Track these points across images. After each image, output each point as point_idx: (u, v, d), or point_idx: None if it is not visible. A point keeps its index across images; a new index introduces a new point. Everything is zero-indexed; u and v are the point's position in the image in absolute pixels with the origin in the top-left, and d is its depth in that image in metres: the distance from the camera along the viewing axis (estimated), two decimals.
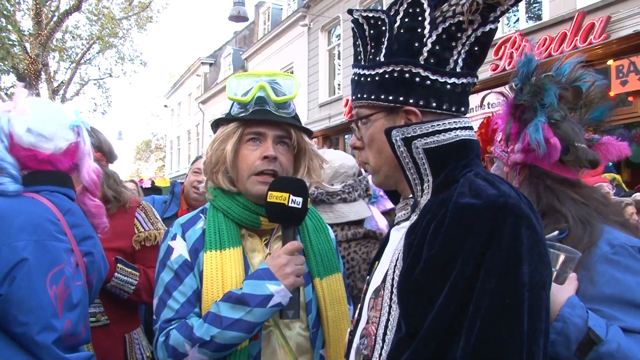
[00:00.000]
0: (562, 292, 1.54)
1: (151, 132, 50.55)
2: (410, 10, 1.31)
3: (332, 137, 19.03)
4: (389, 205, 4.02)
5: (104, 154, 2.90)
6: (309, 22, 20.58)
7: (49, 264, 1.72)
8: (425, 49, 1.29)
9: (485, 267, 1.08)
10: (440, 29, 1.28)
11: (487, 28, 1.29)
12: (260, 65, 24.85)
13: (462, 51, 1.30)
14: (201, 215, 1.92)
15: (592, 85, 1.94)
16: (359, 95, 1.39)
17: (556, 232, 1.67)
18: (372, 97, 1.35)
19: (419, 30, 1.29)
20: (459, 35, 1.29)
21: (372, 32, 1.38)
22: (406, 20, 1.31)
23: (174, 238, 1.85)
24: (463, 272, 1.09)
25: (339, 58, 19.34)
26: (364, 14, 1.39)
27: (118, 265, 2.68)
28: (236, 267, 1.78)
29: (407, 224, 1.35)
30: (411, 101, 1.30)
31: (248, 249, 1.88)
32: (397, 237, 1.39)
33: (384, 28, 1.35)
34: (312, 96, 20.32)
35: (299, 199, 1.74)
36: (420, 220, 1.24)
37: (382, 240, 1.56)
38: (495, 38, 9.90)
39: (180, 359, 1.67)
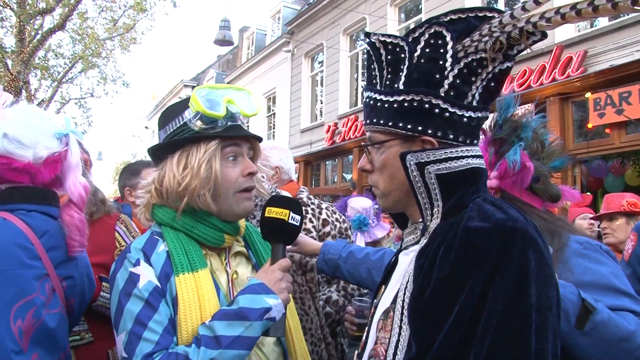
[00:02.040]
0: None
1: (131, 153, 50.11)
2: (432, 42, 1.34)
3: (313, 162, 19.07)
4: (380, 234, 4.06)
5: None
6: (293, 48, 20.76)
7: (13, 297, 1.59)
8: (447, 82, 1.33)
9: (493, 288, 1.12)
10: (462, 64, 1.33)
11: (505, 66, 1.34)
12: None
13: (480, 86, 1.35)
14: (157, 238, 1.78)
15: (552, 142, 2.24)
16: (374, 120, 1.41)
17: None
18: (390, 123, 1.38)
19: (441, 62, 1.33)
20: (479, 71, 1.33)
21: (389, 57, 1.41)
22: (427, 50, 1.34)
23: (136, 264, 1.68)
24: (472, 294, 1.13)
25: (321, 85, 19.49)
26: (382, 39, 1.42)
27: (103, 284, 2.65)
28: (210, 289, 1.70)
29: (416, 247, 1.38)
30: (429, 132, 1.34)
31: (213, 268, 1.80)
32: (406, 261, 1.42)
33: (402, 55, 1.38)
34: (294, 122, 20.39)
35: (298, 217, 1.79)
36: (430, 243, 1.29)
37: (389, 265, 1.59)
38: None
39: None
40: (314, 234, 2.93)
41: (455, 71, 1.32)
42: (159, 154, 1.84)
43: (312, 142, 18.93)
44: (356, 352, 1.56)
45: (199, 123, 1.73)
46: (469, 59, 1.32)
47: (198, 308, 1.65)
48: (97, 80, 22.67)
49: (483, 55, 1.31)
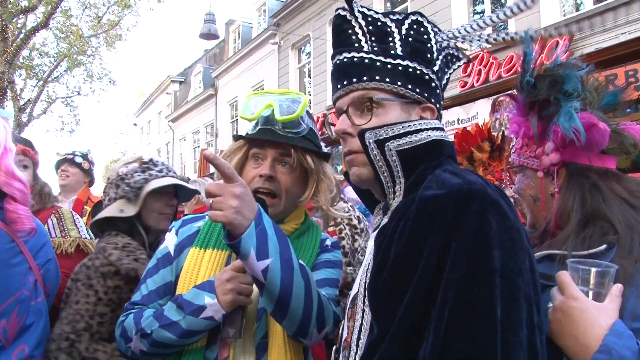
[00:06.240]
0: (604, 315, 1.25)
1: (120, 150, 49.90)
2: (415, 26, 1.40)
3: None
4: None
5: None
6: (279, 40, 20.66)
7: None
8: (438, 62, 1.40)
9: (451, 256, 1.04)
10: (442, 54, 1.44)
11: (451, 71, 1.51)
12: (230, 83, 24.80)
13: (445, 78, 1.48)
14: (206, 216, 1.88)
15: (586, 72, 1.70)
16: (377, 78, 1.33)
17: (603, 247, 1.41)
18: (399, 83, 1.33)
19: (428, 45, 1.39)
20: (450, 65, 1.49)
21: (370, 27, 1.37)
22: (412, 32, 1.39)
23: (170, 230, 1.91)
24: (429, 264, 1.06)
25: (309, 76, 19.42)
26: (361, 10, 1.39)
27: None
28: (212, 269, 1.75)
29: None
30: (432, 100, 1.38)
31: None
32: (371, 245, 1.36)
33: (388, 29, 1.38)
34: None
35: None
36: (390, 221, 1.24)
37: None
38: None
39: (127, 342, 1.72)
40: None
41: (441, 57, 1.42)
42: None
43: None
44: (334, 347, 1.49)
45: (250, 124, 1.88)
46: (448, 51, 1.45)
47: (193, 282, 1.73)
48: (83, 79, 22.64)
49: (455, 53, 1.48)
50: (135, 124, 43.39)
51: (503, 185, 3.12)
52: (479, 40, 1.47)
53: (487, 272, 1.03)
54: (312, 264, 1.89)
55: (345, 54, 1.37)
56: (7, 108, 17.86)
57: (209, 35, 19.49)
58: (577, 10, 10.60)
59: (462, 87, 11.92)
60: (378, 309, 1.17)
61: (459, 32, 1.44)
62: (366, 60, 1.34)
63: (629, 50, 8.81)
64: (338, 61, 1.39)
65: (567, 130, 1.52)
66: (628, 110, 8.93)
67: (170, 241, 1.87)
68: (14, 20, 17.42)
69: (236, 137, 1.91)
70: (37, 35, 18.20)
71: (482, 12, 12.75)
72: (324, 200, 1.89)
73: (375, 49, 1.35)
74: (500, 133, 3.26)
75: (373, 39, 1.37)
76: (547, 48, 10.16)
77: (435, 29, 1.42)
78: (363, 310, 1.25)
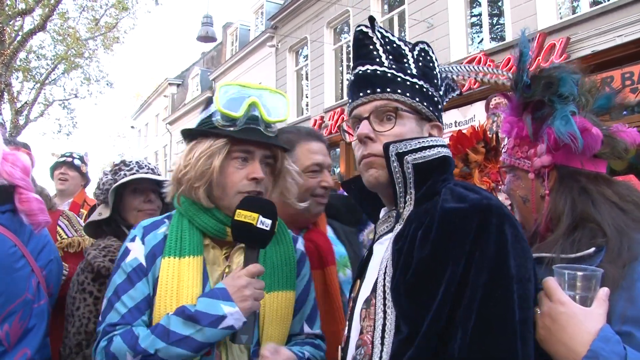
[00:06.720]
0: (592, 320, 1.25)
1: (118, 153, 49.85)
2: (423, 54, 1.53)
3: None
4: None
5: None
6: (277, 42, 20.68)
7: (2, 305, 1.59)
8: (442, 89, 1.57)
9: (475, 264, 1.18)
10: (444, 84, 1.60)
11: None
12: None
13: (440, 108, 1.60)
14: (165, 220, 1.85)
15: (581, 76, 1.71)
16: (399, 91, 1.45)
17: (592, 250, 1.42)
18: (417, 99, 1.47)
19: (434, 72, 1.54)
20: (447, 94, 1.65)
21: (388, 47, 1.50)
22: (420, 58, 1.53)
23: (132, 240, 1.78)
24: (455, 271, 1.19)
25: (306, 79, 19.45)
26: (380, 30, 1.52)
27: None
28: (194, 277, 1.70)
29: (390, 235, 1.43)
30: (440, 120, 1.53)
31: (209, 260, 1.79)
32: (381, 250, 1.46)
33: (403, 52, 1.51)
34: None
35: (269, 222, 1.68)
36: (405, 229, 1.36)
37: (362, 258, 1.63)
38: (460, 58, 10.11)
39: None
40: None
41: (443, 85, 1.58)
42: (187, 138, 1.88)
43: None
44: (339, 347, 1.56)
45: (219, 119, 1.75)
46: (447, 81, 1.59)
47: (175, 293, 1.67)
48: (80, 81, 22.53)
49: (451, 84, 1.63)
50: (132, 127, 43.36)
51: (499, 187, 3.15)
52: (468, 75, 1.64)
53: (507, 277, 1.18)
54: (294, 266, 1.91)
55: (368, 66, 1.49)
56: (4, 111, 17.86)
57: (206, 38, 19.45)
58: (574, 12, 10.63)
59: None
60: (405, 310, 1.28)
61: (454, 69, 1.66)
62: (388, 74, 1.47)
63: (625, 52, 8.85)
64: (360, 71, 1.50)
65: (563, 134, 1.54)
66: (624, 112, 8.93)
67: (138, 251, 1.75)
68: (11, 23, 17.37)
69: (213, 134, 1.76)
70: (35, 37, 18.11)
71: (479, 14, 12.79)
72: (292, 195, 1.93)
73: (394, 66, 1.48)
74: (495, 135, 3.28)
75: (391, 57, 1.49)
76: (544, 50, 10.20)
77: (436, 61, 1.56)
78: (384, 312, 1.34)
